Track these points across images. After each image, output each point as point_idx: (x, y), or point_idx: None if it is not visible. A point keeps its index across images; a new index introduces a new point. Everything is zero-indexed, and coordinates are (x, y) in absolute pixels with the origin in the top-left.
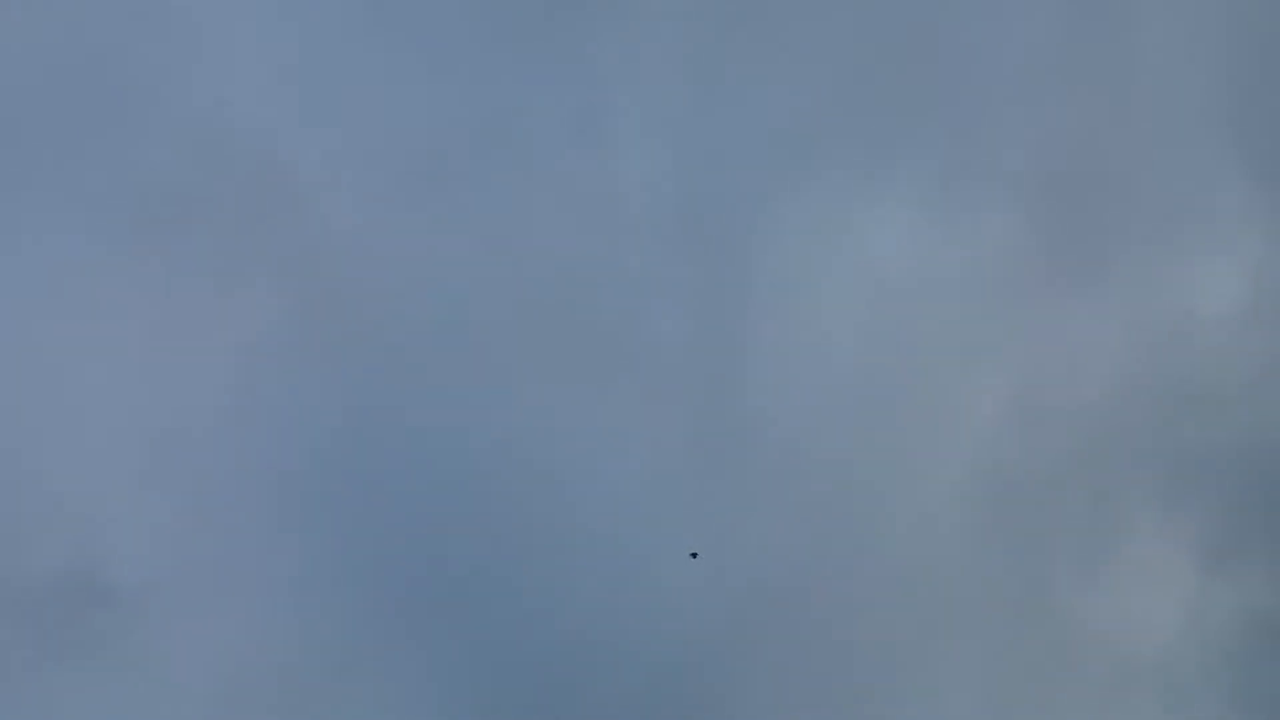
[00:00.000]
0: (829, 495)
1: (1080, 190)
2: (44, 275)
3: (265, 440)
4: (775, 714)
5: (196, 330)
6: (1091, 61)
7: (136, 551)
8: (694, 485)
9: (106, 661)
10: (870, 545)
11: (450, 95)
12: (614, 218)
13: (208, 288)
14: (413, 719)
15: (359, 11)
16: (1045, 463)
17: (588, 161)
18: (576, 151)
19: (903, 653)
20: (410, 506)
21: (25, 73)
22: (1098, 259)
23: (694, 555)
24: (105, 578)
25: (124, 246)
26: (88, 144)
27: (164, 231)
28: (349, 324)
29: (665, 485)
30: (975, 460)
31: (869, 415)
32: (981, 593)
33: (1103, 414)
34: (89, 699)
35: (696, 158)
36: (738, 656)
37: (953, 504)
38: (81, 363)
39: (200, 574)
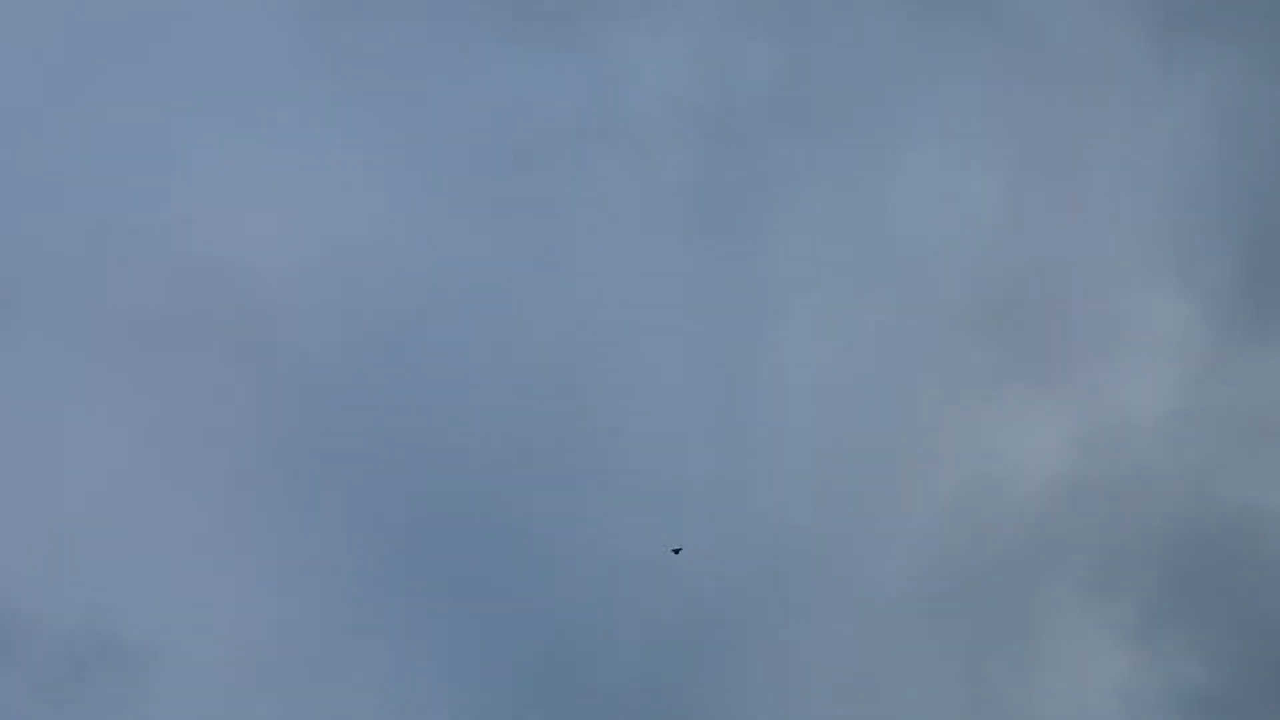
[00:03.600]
0: (778, 570)
1: (1030, 307)
2: (48, 391)
3: (271, 512)
4: None
5: (191, 432)
6: (1041, 195)
7: (147, 610)
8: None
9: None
10: (814, 629)
11: (437, 226)
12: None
13: (198, 402)
14: None
15: (349, 151)
16: (987, 551)
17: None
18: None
19: None
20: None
21: (22, 212)
22: (1044, 368)
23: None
24: (116, 636)
25: (121, 367)
26: (80, 279)
27: (157, 356)
28: (335, 433)
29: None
30: (922, 548)
31: (826, 504)
32: (921, 675)
33: (1043, 508)
34: None
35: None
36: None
37: (897, 590)
38: (87, 455)
39: (210, 633)
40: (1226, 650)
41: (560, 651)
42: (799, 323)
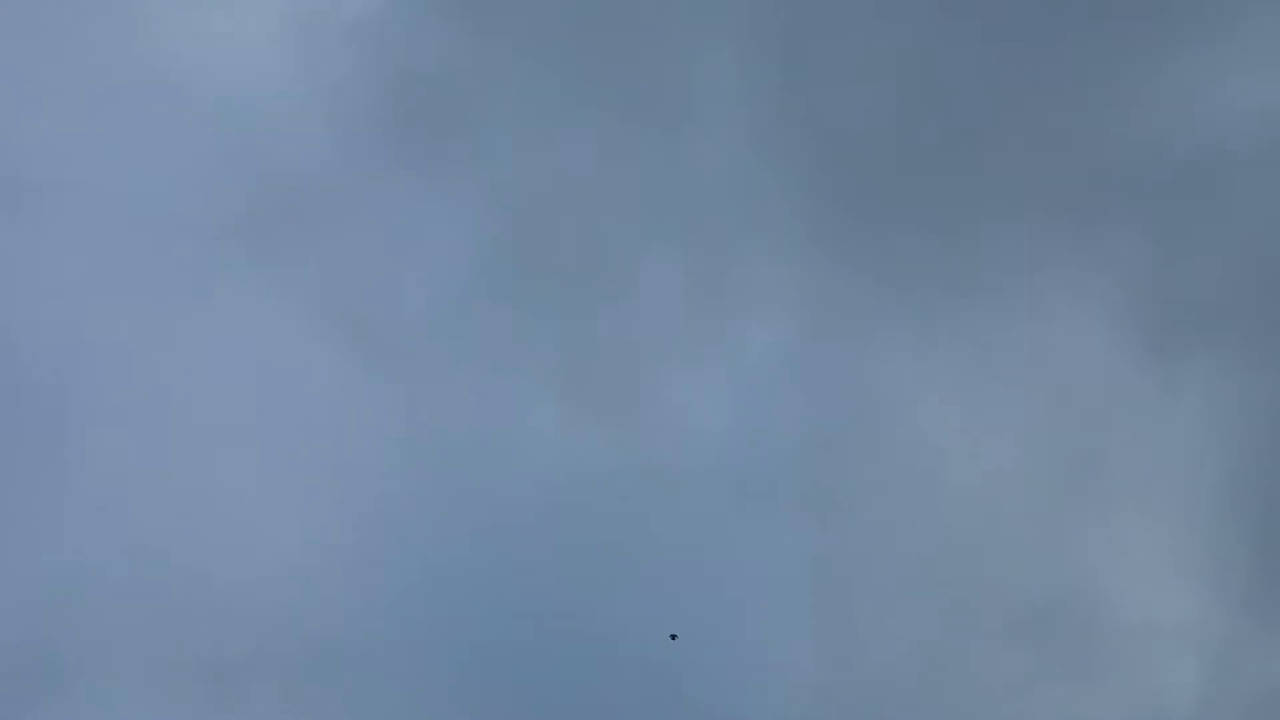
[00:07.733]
0: None
1: (1059, 607)
2: None
3: None
4: None
5: None
6: (1061, 509)
7: None
8: None
9: None
10: None
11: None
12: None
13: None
14: None
15: (393, 497)
16: None
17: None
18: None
19: None
20: None
21: (94, 570)
22: (1076, 663)
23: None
24: None
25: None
26: (152, 628)
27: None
28: None
29: None
30: None
31: None
32: None
33: None
34: None
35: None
36: None
37: None
38: None
39: None
40: None
41: None
42: (843, 624)
